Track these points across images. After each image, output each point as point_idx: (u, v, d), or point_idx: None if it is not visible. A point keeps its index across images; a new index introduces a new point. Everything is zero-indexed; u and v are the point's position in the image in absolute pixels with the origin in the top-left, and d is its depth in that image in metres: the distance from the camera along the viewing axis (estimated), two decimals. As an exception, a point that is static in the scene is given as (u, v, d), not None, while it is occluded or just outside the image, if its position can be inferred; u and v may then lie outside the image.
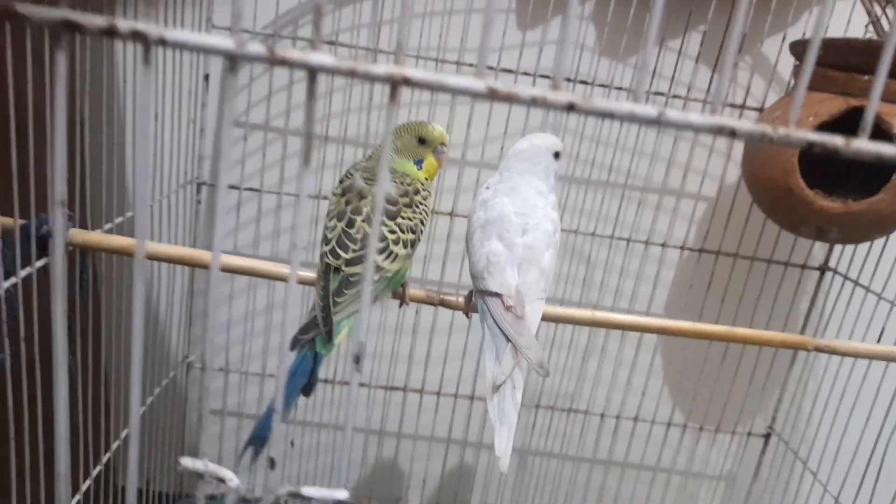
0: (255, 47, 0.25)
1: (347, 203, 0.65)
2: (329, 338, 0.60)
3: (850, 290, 1.06)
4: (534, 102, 0.25)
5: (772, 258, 1.11)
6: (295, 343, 0.62)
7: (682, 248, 1.12)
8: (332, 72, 0.25)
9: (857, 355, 0.69)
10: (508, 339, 0.64)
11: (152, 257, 0.66)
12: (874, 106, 0.26)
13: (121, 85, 0.96)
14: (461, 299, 0.71)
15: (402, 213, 0.65)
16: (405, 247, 0.65)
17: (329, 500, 0.28)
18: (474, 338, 1.15)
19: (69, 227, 0.66)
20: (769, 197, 0.93)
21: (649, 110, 0.25)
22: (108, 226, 0.76)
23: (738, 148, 1.06)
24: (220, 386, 1.20)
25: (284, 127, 1.08)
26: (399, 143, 0.70)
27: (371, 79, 0.25)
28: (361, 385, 1.19)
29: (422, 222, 0.67)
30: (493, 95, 0.25)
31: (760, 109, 1.05)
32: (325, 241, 0.65)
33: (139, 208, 0.28)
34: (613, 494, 1.27)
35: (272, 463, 0.28)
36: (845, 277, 1.07)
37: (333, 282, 0.62)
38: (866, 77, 0.84)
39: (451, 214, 1.10)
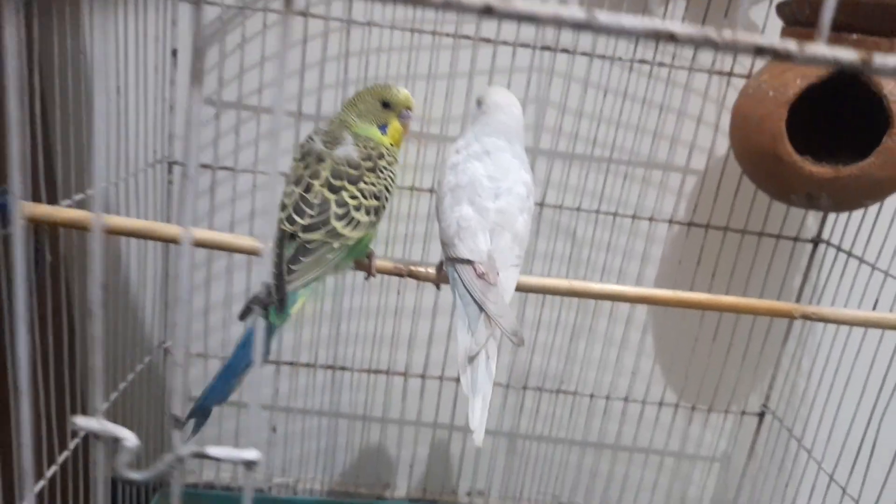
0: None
1: (306, 167, 0.62)
2: (282, 307, 0.57)
3: (844, 262, 1.03)
4: (446, 6, 0.22)
5: (763, 231, 1.08)
6: (246, 312, 0.59)
7: (670, 221, 1.09)
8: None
9: (844, 322, 0.67)
10: (481, 308, 0.61)
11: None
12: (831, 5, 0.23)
13: (88, 57, 0.93)
14: (431, 270, 0.68)
15: (365, 178, 0.62)
16: (368, 213, 0.62)
17: (237, 460, 0.25)
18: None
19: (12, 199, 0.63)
20: (758, 165, 0.90)
21: (576, 13, 0.22)
22: (66, 202, 0.73)
23: (727, 118, 1.03)
24: (200, 372, 1.18)
25: (258, 104, 1.05)
26: (362, 106, 0.67)
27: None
28: (343, 369, 1.16)
29: (387, 189, 0.64)
30: (397, -4, 0.22)
31: (748, 76, 1.02)
32: (283, 207, 0.62)
33: (15, 159, 0.25)
34: (606, 477, 1.25)
35: (177, 421, 0.25)
36: (838, 249, 1.04)
37: (289, 249, 0.59)
38: (854, 35, 0.81)
39: (431, 191, 1.07)
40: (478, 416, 0.60)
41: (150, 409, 1.10)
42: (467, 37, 0.99)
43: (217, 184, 1.08)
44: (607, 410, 1.20)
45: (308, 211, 0.60)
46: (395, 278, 0.91)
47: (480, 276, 0.61)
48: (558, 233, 1.12)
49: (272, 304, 0.57)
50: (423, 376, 1.16)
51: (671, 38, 0.23)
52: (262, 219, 1.10)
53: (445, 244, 0.65)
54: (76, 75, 0.73)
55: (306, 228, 0.59)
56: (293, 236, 0.60)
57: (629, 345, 1.17)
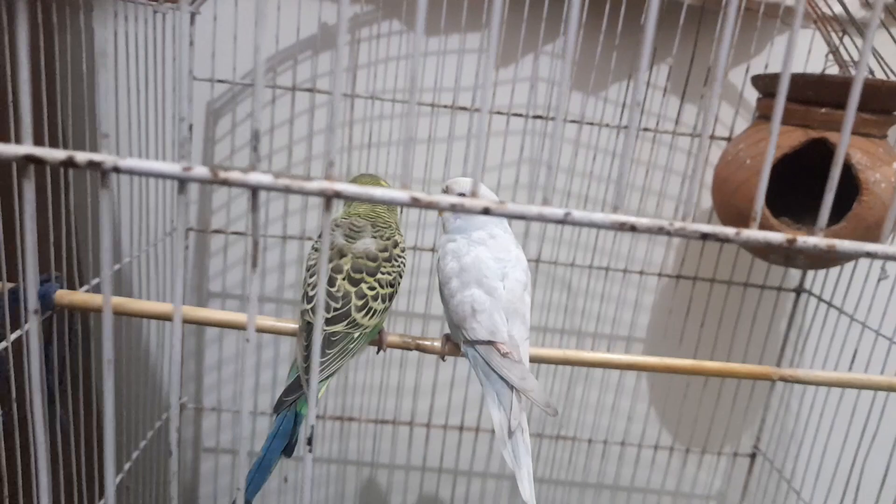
0: (200, 170, 0.27)
1: (329, 261, 0.66)
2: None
3: (825, 312, 1.08)
4: (453, 208, 0.28)
5: (748, 281, 1.14)
6: (280, 406, 0.64)
7: (659, 274, 1.15)
8: (269, 189, 0.28)
9: (821, 383, 0.72)
10: (511, 386, 0.64)
11: (122, 312, 0.68)
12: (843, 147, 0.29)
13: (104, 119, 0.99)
14: (436, 343, 0.73)
15: (382, 269, 0.66)
16: (384, 301, 0.67)
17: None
18: (461, 368, 1.18)
19: (56, 288, 0.69)
20: (738, 225, 0.96)
21: (556, 212, 0.28)
22: (95, 281, 0.79)
23: (711, 173, 1.09)
24: (213, 424, 1.23)
25: (268, 170, 1.11)
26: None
27: (306, 193, 0.28)
28: (351, 419, 1.21)
29: (399, 274, 0.69)
30: (415, 203, 0.28)
31: (728, 138, 1.08)
32: (307, 298, 0.66)
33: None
34: (605, 517, 1.29)
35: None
36: (819, 299, 1.10)
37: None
38: (823, 109, 0.87)
39: (433, 250, 1.13)
40: (528, 489, 0.63)
41: (167, 464, 1.15)
42: (464, 108, 1.05)
43: (229, 245, 1.14)
44: (605, 454, 1.25)
45: (332, 304, 0.64)
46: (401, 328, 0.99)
47: (505, 355, 0.65)
48: (554, 284, 1.18)
49: (303, 396, 0.62)
50: (427, 425, 1.20)
51: (633, 228, 0.28)
52: (271, 277, 1.16)
53: (458, 326, 0.69)
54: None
55: (330, 321, 0.64)
56: None
57: (625, 389, 1.22)
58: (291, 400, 0.63)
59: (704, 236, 0.29)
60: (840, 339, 1.02)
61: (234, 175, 0.28)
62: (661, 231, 0.28)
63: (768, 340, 1.17)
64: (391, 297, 0.68)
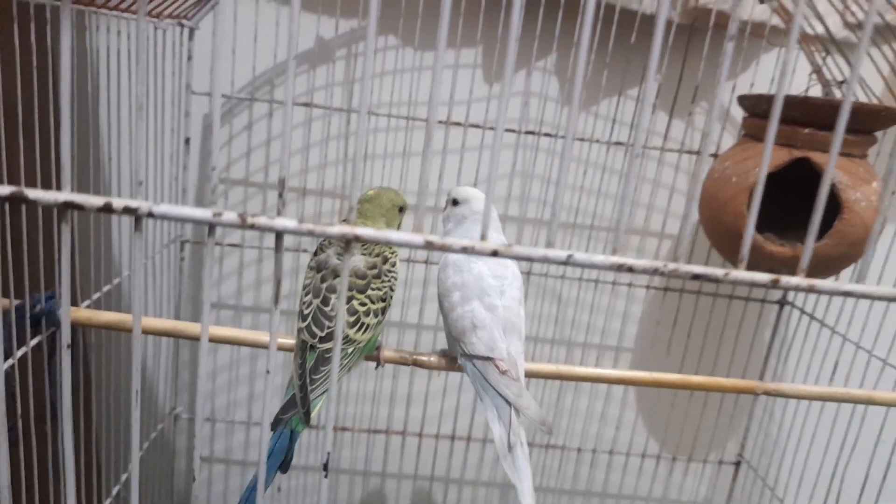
0: (229, 216, 0.29)
1: (323, 280, 0.68)
2: (307, 419, 0.64)
3: (808, 323, 1.11)
4: (464, 250, 0.30)
5: (733, 294, 1.17)
6: (276, 423, 0.65)
7: (647, 287, 1.18)
8: (294, 233, 0.30)
9: (802, 397, 0.75)
10: (508, 402, 0.66)
11: (146, 331, 0.69)
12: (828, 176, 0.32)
13: (105, 136, 1.00)
14: (433, 359, 0.75)
15: (372, 285, 0.68)
16: (376, 316, 0.69)
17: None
18: (453, 377, 1.20)
19: (56, 305, 0.70)
20: (724, 242, 0.99)
21: (559, 254, 0.30)
22: (96, 295, 0.80)
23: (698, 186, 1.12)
24: (207, 434, 1.24)
25: (264, 181, 1.13)
26: (381, 220, 0.74)
27: (328, 237, 0.30)
28: (344, 429, 1.23)
29: (391, 288, 0.71)
30: (429, 246, 0.30)
31: (716, 155, 1.11)
32: (302, 316, 0.68)
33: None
34: (593, 523, 1.32)
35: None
36: (802, 311, 1.13)
37: (310, 359, 0.66)
38: (806, 130, 0.90)
39: (426, 262, 1.15)
40: (529, 500, 0.64)
41: (162, 473, 1.16)
42: (458, 123, 1.08)
43: (224, 255, 1.16)
44: (594, 462, 1.27)
45: (326, 323, 0.66)
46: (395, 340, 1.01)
47: (504, 372, 0.67)
48: (545, 295, 1.20)
49: (298, 413, 0.63)
50: (419, 434, 1.22)
51: (630, 269, 0.31)
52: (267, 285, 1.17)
53: (457, 339, 0.70)
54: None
55: (323, 339, 0.66)
56: (312, 347, 0.66)
57: (613, 399, 1.25)
58: (287, 418, 0.65)
59: (696, 277, 0.31)
60: (822, 351, 1.05)
61: (261, 220, 0.29)
62: (655, 272, 0.31)
63: (752, 351, 1.20)
64: (384, 310, 0.70)
